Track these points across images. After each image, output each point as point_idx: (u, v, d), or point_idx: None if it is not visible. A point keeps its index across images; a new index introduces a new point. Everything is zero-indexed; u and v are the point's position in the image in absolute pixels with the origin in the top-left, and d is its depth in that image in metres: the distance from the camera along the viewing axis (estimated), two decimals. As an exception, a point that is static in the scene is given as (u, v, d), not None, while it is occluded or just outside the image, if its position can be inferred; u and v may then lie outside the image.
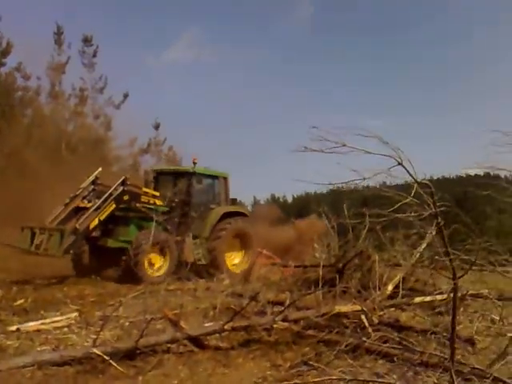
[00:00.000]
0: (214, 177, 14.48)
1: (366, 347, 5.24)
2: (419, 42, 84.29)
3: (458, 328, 5.36)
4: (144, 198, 12.69)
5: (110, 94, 30.93)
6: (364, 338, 5.36)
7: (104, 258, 12.37)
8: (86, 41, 30.06)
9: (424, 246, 8.28)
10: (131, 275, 11.43)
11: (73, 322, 7.14)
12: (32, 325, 6.73)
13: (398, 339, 5.26)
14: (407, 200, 3.47)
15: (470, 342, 5.49)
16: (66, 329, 6.81)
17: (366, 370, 4.90)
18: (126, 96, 31.18)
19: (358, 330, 5.80)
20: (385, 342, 5.34)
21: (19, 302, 8.54)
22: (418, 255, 8.27)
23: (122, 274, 11.77)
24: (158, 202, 13.10)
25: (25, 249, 11.27)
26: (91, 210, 11.49)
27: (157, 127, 36.30)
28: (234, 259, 13.92)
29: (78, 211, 11.76)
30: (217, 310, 6.99)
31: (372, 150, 3.50)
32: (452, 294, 4.10)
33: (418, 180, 3.58)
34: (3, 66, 25.40)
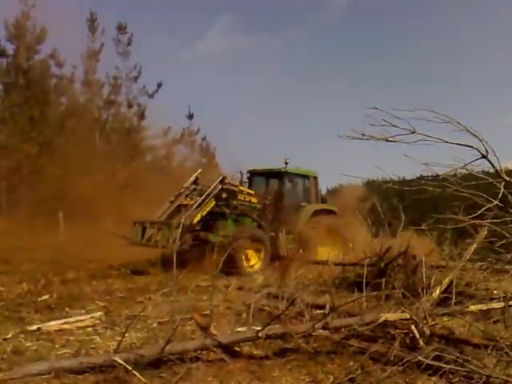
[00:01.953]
0: (304, 176, 15.40)
1: (416, 362, 4.65)
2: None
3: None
4: (240, 196, 13.65)
5: (143, 83, 30.66)
6: (414, 352, 4.76)
7: (202, 250, 12.90)
8: (121, 29, 29.80)
9: (475, 245, 7.61)
10: (230, 268, 11.64)
11: (98, 321, 6.77)
12: (54, 324, 6.38)
13: (453, 354, 4.63)
14: (492, 205, 2.85)
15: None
16: (90, 329, 6.45)
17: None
18: (159, 85, 30.82)
19: (407, 341, 5.21)
20: (437, 357, 4.72)
21: (44, 297, 8.25)
22: (468, 256, 7.61)
23: (221, 267, 11.95)
24: (253, 200, 14.05)
25: (137, 241, 12.35)
26: (194, 206, 12.50)
27: (190, 117, 35.99)
28: (326, 255, 13.99)
29: (182, 208, 12.79)
30: (250, 313, 6.48)
31: (449, 139, 2.88)
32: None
33: (507, 178, 2.94)
34: (38, 54, 25.31)
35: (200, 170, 14.11)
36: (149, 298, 8.36)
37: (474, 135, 2.88)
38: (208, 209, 12.73)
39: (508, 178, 2.92)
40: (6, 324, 6.55)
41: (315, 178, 15.68)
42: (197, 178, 13.52)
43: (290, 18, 77.38)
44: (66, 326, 6.37)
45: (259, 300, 7.17)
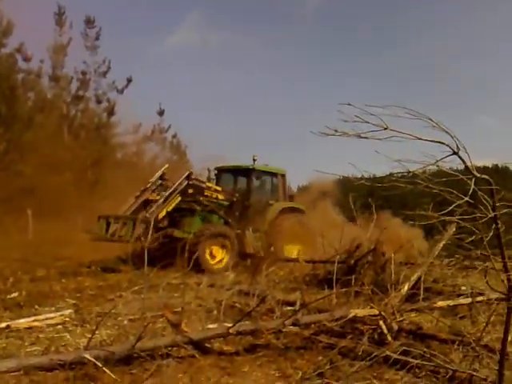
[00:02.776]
0: (272, 174, 15.33)
1: (384, 357, 4.74)
2: None
3: (486, 338, 4.92)
4: (207, 192, 13.67)
5: (113, 79, 30.21)
6: (382, 347, 4.86)
7: (171, 247, 12.90)
8: (89, 22, 29.21)
9: (444, 242, 7.79)
10: (193, 265, 11.61)
11: (68, 319, 6.70)
12: (23, 321, 6.30)
13: (420, 349, 4.74)
14: (462, 202, 2.92)
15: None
16: (60, 326, 6.39)
17: (385, 384, 4.44)
18: (129, 81, 30.33)
19: (376, 336, 5.31)
20: (405, 352, 4.83)
21: (13, 295, 8.14)
22: (436, 253, 7.78)
23: (184, 263, 12.02)
24: (220, 197, 14.04)
25: (101, 236, 12.33)
26: (159, 201, 12.46)
27: (161, 114, 35.69)
28: (293, 252, 14.20)
29: (148, 203, 12.81)
30: (221, 310, 6.51)
31: (421, 136, 2.95)
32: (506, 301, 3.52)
33: (477, 175, 3.02)
34: (4, 47, 24.70)
35: (167, 165, 14.10)
36: (119, 295, 8.31)
37: (445, 132, 2.95)
38: (173, 204, 12.71)
39: (478, 175, 3.00)
40: (-26, 322, 6.43)
41: (283, 175, 15.61)
42: (163, 173, 13.52)
43: (264, 12, 77.45)
44: (35, 324, 6.29)
45: (230, 297, 7.22)
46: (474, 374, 4.21)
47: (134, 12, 63.37)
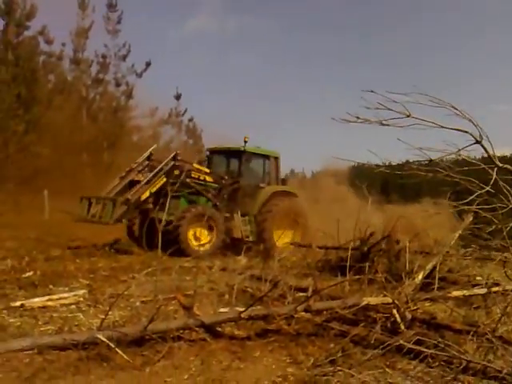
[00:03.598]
0: (264, 156, 14.74)
1: (397, 346, 4.70)
2: None
3: (501, 329, 4.85)
4: (194, 174, 13.26)
5: (132, 62, 30.30)
6: (396, 336, 4.82)
7: (155, 230, 12.61)
8: (111, 6, 29.33)
9: (460, 232, 7.69)
10: (176, 247, 11.32)
11: (81, 299, 6.76)
12: (37, 301, 6.38)
13: (434, 339, 4.69)
14: (483, 191, 2.84)
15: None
16: (73, 306, 6.46)
17: (398, 373, 4.40)
18: (148, 64, 30.55)
19: (388, 325, 5.27)
20: (418, 341, 4.78)
21: (27, 274, 8.23)
22: (452, 242, 7.68)
23: (167, 246, 11.87)
24: (209, 179, 13.64)
25: (82, 217, 12.21)
26: (143, 182, 12.24)
27: (178, 98, 35.69)
28: (285, 238, 13.72)
29: (133, 184, 12.47)
30: (233, 294, 6.51)
31: (444, 124, 2.86)
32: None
33: (500, 164, 2.94)
34: (27, 30, 24.87)
35: (155, 146, 13.86)
36: (132, 277, 8.36)
37: (469, 120, 2.87)
38: (158, 186, 12.40)
39: (501, 164, 2.91)
40: (-11, 300, 6.52)
41: (276, 158, 15.02)
42: (151, 154, 13.19)
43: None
44: (49, 303, 6.37)
45: (242, 281, 7.21)
46: (488, 365, 4.15)
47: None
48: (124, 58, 29.86)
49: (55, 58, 27.62)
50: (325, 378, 4.15)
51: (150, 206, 12.73)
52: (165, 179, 12.50)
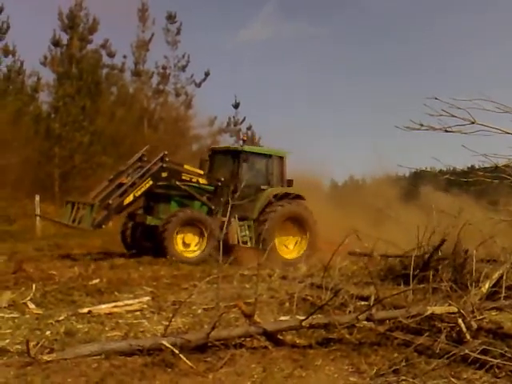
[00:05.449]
0: (266, 156, 13.69)
1: (462, 356, 4.57)
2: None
3: None
4: (185, 176, 12.50)
5: (191, 73, 30.95)
6: (461, 346, 4.68)
7: (145, 235, 12.47)
8: (170, 18, 30.08)
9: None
10: (162, 253, 11.47)
11: (145, 306, 6.94)
12: (104, 307, 6.59)
13: (501, 349, 4.53)
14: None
15: None
16: (137, 313, 6.64)
17: (463, 383, 4.26)
18: (207, 74, 31.10)
19: (454, 334, 5.12)
20: (484, 350, 4.63)
21: (94, 281, 8.51)
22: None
23: (155, 252, 11.84)
24: (202, 181, 12.83)
25: (64, 222, 11.90)
26: (126, 185, 11.65)
27: (236, 106, 36.06)
28: (288, 244, 13.19)
29: (121, 187, 11.82)
30: (294, 302, 6.51)
31: (510, 130, 2.78)
32: None
33: None
34: (90, 44, 25.93)
35: (147, 147, 13.12)
36: (193, 284, 8.49)
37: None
38: (144, 189, 11.75)
39: None
40: (58, 306, 6.81)
41: (281, 158, 13.82)
42: (143, 155, 12.52)
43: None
44: (115, 310, 6.57)
45: (302, 290, 7.19)
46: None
47: (211, 6, 63.70)
48: (183, 68, 30.57)
49: (117, 70, 28.67)
50: (389, 388, 4.09)
51: (140, 210, 12.60)
52: (151, 182, 11.87)
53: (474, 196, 15.81)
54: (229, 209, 10.96)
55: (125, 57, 28.68)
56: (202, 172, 13.08)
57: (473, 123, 2.81)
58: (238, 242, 12.32)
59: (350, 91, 76.51)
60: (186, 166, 12.85)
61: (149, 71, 29.51)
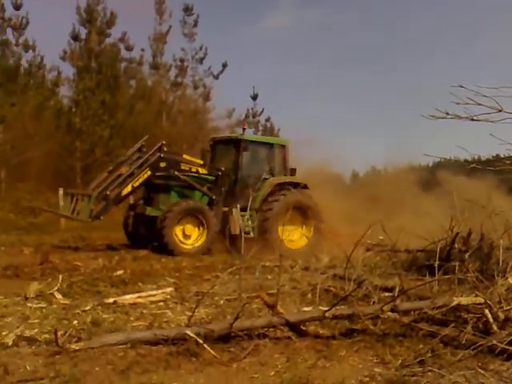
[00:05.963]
0: (268, 144, 13.55)
1: (489, 346, 4.51)
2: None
3: None
4: (185, 166, 12.42)
5: (209, 65, 30.88)
6: (488, 337, 4.62)
7: (146, 226, 12.34)
8: (187, 10, 30.02)
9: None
10: (161, 245, 11.43)
11: (169, 296, 7.00)
12: (128, 298, 6.67)
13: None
14: None
15: None
16: (161, 303, 6.70)
17: (490, 374, 4.20)
18: (224, 66, 30.87)
19: (480, 325, 5.05)
20: (511, 342, 4.56)
21: (118, 272, 8.62)
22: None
23: (155, 243, 11.83)
24: (202, 171, 12.72)
25: (62, 213, 12.09)
26: (124, 175, 11.62)
27: (254, 98, 35.91)
28: (293, 234, 12.87)
29: (120, 178, 11.81)
30: (317, 293, 6.49)
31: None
32: None
33: None
34: (108, 37, 26.02)
35: (146, 137, 12.96)
36: (216, 275, 8.52)
37: None
38: (142, 179, 11.69)
39: None
40: (85, 296, 6.92)
41: (283, 146, 13.61)
42: (142, 146, 12.43)
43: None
44: (139, 300, 6.65)
45: (325, 280, 7.17)
46: None
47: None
48: (201, 60, 30.47)
49: (135, 63, 28.73)
50: (414, 378, 4.04)
51: (140, 201, 12.57)
52: (149, 172, 11.78)
53: (493, 185, 15.51)
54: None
55: (143, 50, 28.69)
56: (201, 162, 12.96)
57: (500, 111, 2.74)
58: (240, 232, 11.78)
59: (372, 82, 75.77)
60: (184, 156, 12.79)
61: (167, 64, 29.44)
